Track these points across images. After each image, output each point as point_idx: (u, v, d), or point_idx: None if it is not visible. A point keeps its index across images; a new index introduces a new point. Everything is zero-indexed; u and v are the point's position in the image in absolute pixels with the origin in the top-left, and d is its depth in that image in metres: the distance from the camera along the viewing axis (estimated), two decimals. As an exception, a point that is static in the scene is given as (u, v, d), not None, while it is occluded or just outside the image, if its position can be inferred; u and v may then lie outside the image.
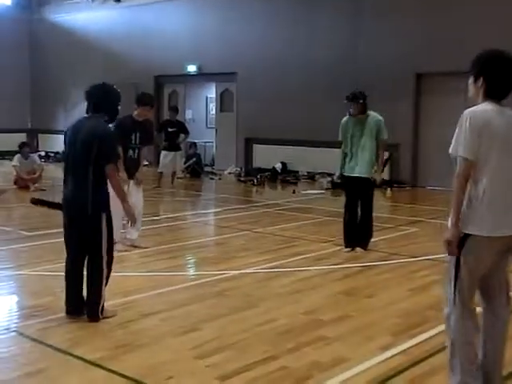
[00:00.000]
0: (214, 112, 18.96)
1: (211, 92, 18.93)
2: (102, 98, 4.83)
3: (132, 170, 7.33)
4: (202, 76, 18.12)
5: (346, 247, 7.42)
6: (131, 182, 7.40)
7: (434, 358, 4.20)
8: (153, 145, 7.73)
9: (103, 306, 4.80)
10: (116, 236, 7.30)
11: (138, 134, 7.40)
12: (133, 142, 7.36)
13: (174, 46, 18.08)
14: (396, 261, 7.07)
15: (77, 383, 3.80)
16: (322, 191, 13.47)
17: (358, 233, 7.54)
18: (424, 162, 14.25)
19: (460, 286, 3.34)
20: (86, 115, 4.88)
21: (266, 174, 15.60)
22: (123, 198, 4.92)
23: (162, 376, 3.85)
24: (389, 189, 13.08)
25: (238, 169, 16.80)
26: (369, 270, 6.64)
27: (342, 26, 15.04)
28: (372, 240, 7.77)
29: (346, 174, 7.45)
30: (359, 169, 7.34)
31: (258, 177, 15.17)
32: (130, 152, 7.35)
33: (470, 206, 3.28)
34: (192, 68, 17.93)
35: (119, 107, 4.99)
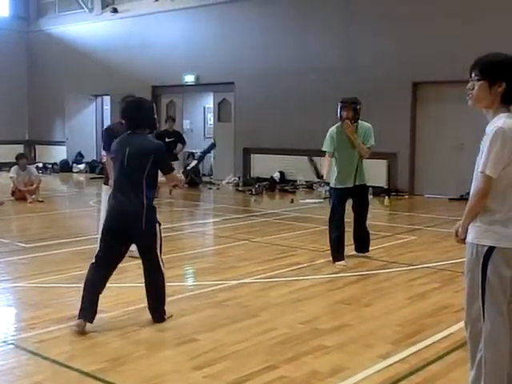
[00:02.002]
0: (211, 122, 18.98)
1: (209, 102, 18.97)
2: (136, 114, 4.95)
3: None
4: (200, 86, 18.15)
5: (341, 260, 7.18)
6: None
7: (432, 365, 4.19)
8: None
9: (165, 308, 5.07)
10: None
11: None
12: None
13: (171, 56, 18.12)
14: (394, 269, 7.05)
15: (74, 395, 3.78)
16: (321, 200, 13.46)
17: (360, 239, 7.52)
18: (422, 170, 14.26)
19: (491, 298, 3.19)
20: (129, 132, 4.97)
21: (264, 183, 15.60)
22: (180, 180, 5.34)
23: (159, 387, 3.84)
24: (387, 197, 13.08)
25: (236, 178, 16.80)
26: (367, 279, 6.62)
27: (339, 36, 15.09)
28: (370, 249, 7.76)
29: (337, 186, 7.23)
30: (355, 178, 7.24)
31: (257, 186, 15.17)
32: None
33: (493, 220, 3.18)
34: (190, 78, 17.97)
35: (155, 117, 5.11)
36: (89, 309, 4.77)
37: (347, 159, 7.21)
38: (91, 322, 4.77)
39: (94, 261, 4.92)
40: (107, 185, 7.38)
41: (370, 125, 7.33)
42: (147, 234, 4.91)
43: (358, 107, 7.18)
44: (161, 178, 5.04)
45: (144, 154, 4.82)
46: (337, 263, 7.14)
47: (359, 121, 7.26)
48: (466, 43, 12.95)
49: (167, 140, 13.86)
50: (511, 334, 3.23)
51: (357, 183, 7.28)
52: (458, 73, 13.19)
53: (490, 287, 3.17)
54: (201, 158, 6.18)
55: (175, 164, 13.88)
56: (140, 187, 4.82)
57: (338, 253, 7.21)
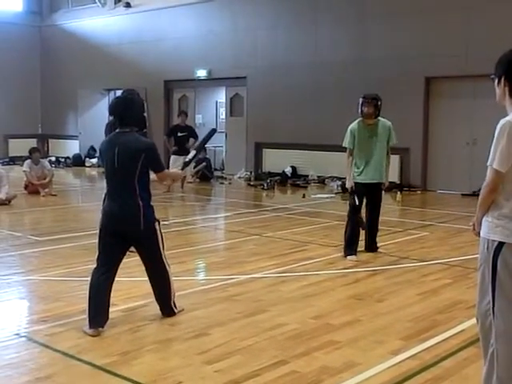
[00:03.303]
0: (223, 116, 18.98)
1: (221, 96, 18.96)
2: (125, 111, 4.79)
3: None
4: (212, 81, 18.14)
5: (352, 254, 7.20)
6: None
7: (444, 362, 4.17)
8: None
9: (174, 302, 5.07)
10: None
11: None
12: None
13: (183, 50, 18.13)
14: (406, 265, 7.03)
15: (86, 388, 3.80)
16: (332, 195, 13.43)
17: (369, 236, 7.52)
18: (434, 165, 14.18)
19: (501, 292, 3.19)
20: (117, 131, 4.83)
21: (276, 178, 15.58)
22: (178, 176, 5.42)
23: (170, 381, 3.84)
24: (399, 193, 13.03)
25: (248, 173, 16.80)
26: (379, 275, 6.60)
27: (351, 30, 15.02)
28: (382, 244, 7.73)
29: (356, 181, 7.26)
30: (373, 175, 7.24)
31: (268, 181, 15.15)
32: None
33: (501, 215, 3.18)
34: (202, 73, 17.96)
35: (145, 116, 5.04)
36: (98, 315, 4.67)
37: (367, 155, 7.22)
38: (103, 327, 4.68)
39: (95, 266, 4.82)
40: None
41: (390, 123, 7.38)
42: (147, 234, 4.81)
43: (379, 103, 7.22)
44: (152, 176, 4.92)
45: (134, 153, 4.67)
46: (349, 257, 7.15)
47: (379, 118, 7.29)
48: (480, 38, 12.87)
49: (179, 134, 13.91)
50: None
51: (374, 181, 7.28)
52: (471, 68, 13.16)
53: (499, 282, 3.17)
54: (200, 148, 5.98)
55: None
56: (134, 189, 4.69)
57: (353, 246, 7.23)
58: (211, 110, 19.91)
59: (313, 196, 13.39)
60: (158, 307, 5.15)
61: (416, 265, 7.03)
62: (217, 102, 19.80)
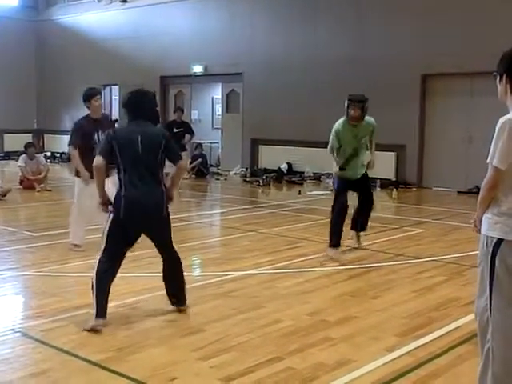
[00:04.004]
0: (219, 113, 18.96)
1: (217, 93, 18.93)
2: (138, 105, 4.85)
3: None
4: (208, 77, 18.12)
5: (337, 246, 7.12)
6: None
7: (439, 359, 4.18)
8: None
9: None
10: (81, 240, 7.34)
11: (100, 132, 7.26)
12: (97, 141, 7.23)
13: (179, 46, 18.09)
14: (401, 262, 7.04)
15: (81, 384, 3.80)
16: (328, 192, 13.42)
17: (362, 220, 7.49)
18: (430, 162, 14.20)
19: (499, 289, 3.22)
20: (133, 122, 4.84)
21: (272, 174, 15.58)
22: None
23: (165, 377, 3.84)
24: (394, 190, 13.06)
25: (244, 169, 16.80)
26: (374, 271, 6.61)
27: (348, 27, 15.01)
28: (377, 241, 7.74)
29: (340, 176, 7.23)
30: (356, 172, 7.26)
31: (264, 177, 15.16)
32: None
33: (501, 212, 3.20)
34: (198, 69, 17.94)
35: (158, 109, 5.09)
36: (105, 306, 4.66)
37: (351, 155, 7.18)
38: (105, 319, 4.67)
39: (102, 257, 4.72)
40: (79, 177, 7.34)
41: (374, 121, 7.33)
42: (166, 221, 4.88)
43: (366, 106, 7.12)
44: (172, 170, 4.95)
45: (156, 140, 4.77)
46: (328, 250, 7.11)
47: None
48: (476, 36, 12.88)
49: (175, 130, 13.85)
50: None
51: (358, 176, 7.29)
52: (468, 65, 13.18)
53: (497, 278, 3.19)
54: None
55: (183, 154, 13.94)
56: (158, 174, 4.79)
57: (338, 237, 7.13)
58: (207, 106, 19.88)
59: (308, 193, 13.40)
60: (154, 303, 5.15)
61: (411, 262, 7.05)
62: (213, 98, 19.77)
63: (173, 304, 5.07)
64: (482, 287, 3.30)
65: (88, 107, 7.42)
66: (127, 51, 19.45)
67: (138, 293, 5.55)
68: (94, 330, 4.56)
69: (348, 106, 7.09)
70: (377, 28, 14.47)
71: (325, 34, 15.37)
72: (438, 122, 13.93)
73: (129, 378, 3.83)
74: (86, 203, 7.31)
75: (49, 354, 4.21)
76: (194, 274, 6.79)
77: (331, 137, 7.23)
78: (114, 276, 4.76)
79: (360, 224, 7.54)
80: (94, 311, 4.63)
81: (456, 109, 13.65)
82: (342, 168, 7.18)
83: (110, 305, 4.95)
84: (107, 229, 4.77)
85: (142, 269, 6.30)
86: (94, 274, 4.69)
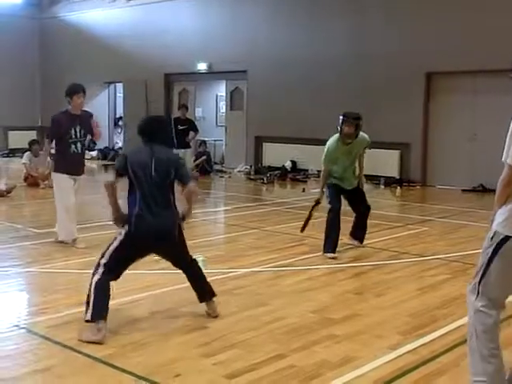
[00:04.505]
0: (224, 110, 18.96)
1: (221, 90, 18.94)
2: (154, 131, 4.86)
3: (76, 164, 7.42)
4: (213, 74, 18.13)
5: (333, 252, 7.06)
6: (77, 178, 7.48)
7: (442, 357, 4.17)
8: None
9: None
10: (67, 237, 7.37)
11: (78, 128, 7.31)
12: (73, 136, 7.29)
13: (184, 44, 18.09)
14: (405, 260, 7.04)
15: (85, 381, 3.80)
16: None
17: (359, 229, 7.51)
18: (434, 161, 14.18)
19: (487, 280, 3.34)
20: (147, 145, 4.82)
21: (276, 172, 15.58)
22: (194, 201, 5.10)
23: (169, 374, 3.85)
24: (398, 188, 13.04)
25: (248, 167, 16.80)
26: (378, 269, 6.61)
27: (351, 24, 14.98)
28: (381, 239, 7.74)
29: (334, 184, 7.26)
30: (349, 184, 7.30)
31: (268, 175, 15.16)
32: (73, 147, 7.33)
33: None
34: (202, 66, 17.94)
35: (173, 135, 5.12)
36: (105, 308, 4.53)
37: (343, 170, 7.20)
38: (105, 321, 4.51)
39: (103, 269, 4.57)
40: (60, 172, 7.38)
41: (368, 137, 7.32)
42: (179, 243, 4.87)
43: (361, 123, 7.09)
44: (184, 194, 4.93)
45: (169, 164, 4.76)
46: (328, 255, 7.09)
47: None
48: (480, 34, 12.84)
49: (180, 127, 13.87)
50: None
51: (352, 187, 7.34)
52: (472, 63, 13.15)
53: (489, 273, 3.29)
54: None
55: (188, 152, 13.91)
56: (171, 197, 4.78)
57: (334, 244, 7.11)
58: (211, 104, 19.89)
59: (312, 190, 13.33)
60: (157, 300, 5.16)
61: (415, 260, 7.04)
62: (217, 96, 19.78)
63: (202, 301, 5.02)
64: (476, 272, 3.39)
65: (69, 102, 7.38)
66: (131, 48, 19.45)
67: (141, 290, 5.56)
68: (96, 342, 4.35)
69: (342, 123, 7.04)
70: (380, 25, 14.45)
71: (328, 31, 15.34)
72: (442, 119, 13.90)
73: (132, 374, 3.84)
74: (70, 200, 7.40)
75: (53, 351, 4.22)
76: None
77: (324, 156, 7.21)
78: (110, 285, 4.63)
79: (358, 237, 7.55)
80: (89, 314, 4.45)
81: (460, 107, 13.62)
82: (335, 178, 7.20)
83: (114, 302, 4.95)
84: (114, 245, 4.65)
85: (145, 266, 6.29)
86: (91, 285, 4.54)
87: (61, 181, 7.42)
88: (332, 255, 7.01)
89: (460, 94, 13.58)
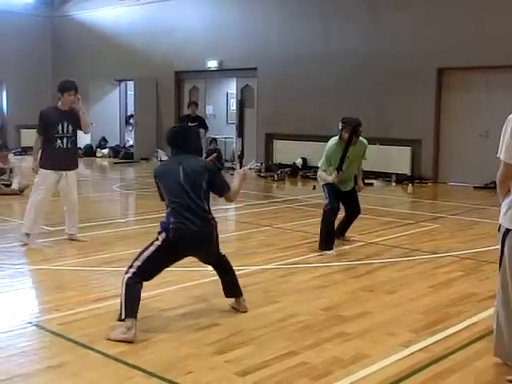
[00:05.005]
0: (234, 108, 18.96)
1: (232, 88, 18.93)
2: (183, 141, 4.85)
3: (63, 159, 7.36)
4: (223, 72, 18.12)
5: (331, 249, 7.10)
6: (66, 173, 7.45)
7: (455, 355, 4.15)
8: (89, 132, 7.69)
9: None
10: (30, 230, 7.41)
11: (66, 124, 7.32)
12: (60, 131, 7.29)
13: (194, 41, 18.10)
14: (417, 257, 7.01)
15: (97, 377, 3.82)
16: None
17: (344, 228, 7.60)
18: (446, 157, 14.12)
19: (503, 270, 3.58)
20: (177, 156, 4.81)
21: (287, 169, 15.56)
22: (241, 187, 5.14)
23: (181, 371, 3.86)
24: (410, 185, 13.00)
25: (259, 164, 16.79)
26: (390, 267, 6.59)
27: (362, 21, 14.93)
28: (393, 236, 7.71)
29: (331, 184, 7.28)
30: (346, 186, 7.34)
31: (279, 172, 15.15)
32: (58, 142, 7.31)
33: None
34: (213, 63, 17.94)
35: (202, 145, 5.11)
36: (136, 307, 4.48)
37: (341, 173, 7.15)
38: (136, 319, 4.45)
39: (135, 270, 4.52)
40: (44, 168, 7.39)
41: (366, 143, 7.39)
42: (215, 248, 4.90)
43: (360, 129, 7.13)
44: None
45: (199, 171, 4.71)
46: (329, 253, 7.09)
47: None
48: (492, 29, 12.77)
49: (190, 125, 13.86)
50: None
51: (348, 188, 7.37)
52: (484, 59, 13.07)
53: (504, 264, 3.54)
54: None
55: None
56: (205, 205, 4.73)
57: (330, 241, 7.15)
58: (222, 101, 19.89)
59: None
60: (168, 297, 5.16)
61: (427, 257, 7.02)
62: (227, 93, 19.78)
63: (229, 296, 5.06)
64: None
65: (59, 98, 7.46)
66: (142, 46, 19.50)
67: (154, 287, 5.54)
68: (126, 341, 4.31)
69: (342, 129, 7.10)
70: (391, 21, 14.38)
71: (338, 27, 15.30)
72: (454, 116, 13.84)
73: (144, 371, 3.85)
74: (44, 196, 7.45)
75: (66, 347, 4.24)
76: (209, 268, 6.79)
77: (323, 159, 7.29)
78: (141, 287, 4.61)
79: (342, 235, 7.60)
80: (120, 313, 4.45)
81: (472, 103, 13.55)
82: (338, 171, 7.16)
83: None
84: (151, 250, 4.61)
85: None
86: (123, 286, 4.49)
87: (42, 176, 7.45)
88: (335, 253, 7.02)
89: (472, 91, 13.50)
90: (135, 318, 4.41)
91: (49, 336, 4.45)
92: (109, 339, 4.32)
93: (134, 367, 3.91)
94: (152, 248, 4.63)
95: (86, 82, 20.99)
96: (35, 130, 7.68)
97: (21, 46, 21.26)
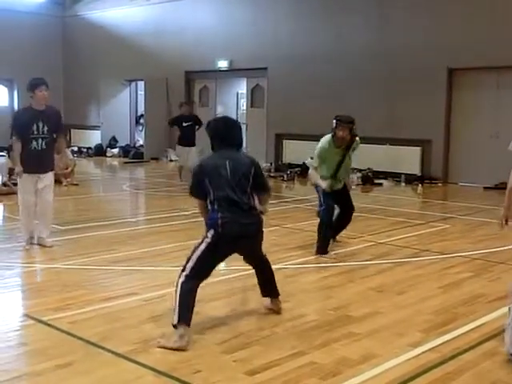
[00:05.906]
0: (244, 107, 18.96)
1: (242, 87, 18.94)
2: (226, 133, 4.76)
3: (38, 162, 7.10)
4: (233, 71, 18.13)
5: (328, 252, 7.02)
6: (45, 175, 7.22)
7: (464, 355, 4.14)
8: (65, 133, 7.31)
9: None
10: (31, 231, 7.32)
11: (41, 124, 7.09)
12: (35, 132, 7.05)
13: (204, 41, 18.13)
14: (427, 257, 6.99)
15: (106, 376, 3.83)
16: (353, 187, 13.35)
17: (340, 228, 7.46)
18: (456, 158, 14.06)
19: None
20: (221, 150, 4.71)
21: (296, 169, 15.55)
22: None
23: (190, 370, 3.87)
24: (420, 185, 12.95)
25: (268, 164, 16.78)
26: (399, 267, 6.58)
27: (373, 20, 14.89)
28: (403, 236, 7.69)
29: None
30: (338, 184, 7.22)
31: (288, 172, 15.14)
32: (34, 143, 7.05)
33: None
34: (223, 63, 17.96)
35: (243, 137, 4.97)
36: (190, 313, 4.41)
37: (334, 171, 7.10)
38: (189, 326, 4.38)
39: (189, 273, 4.45)
40: (30, 173, 7.13)
41: (358, 138, 7.28)
42: (261, 244, 4.89)
43: (354, 127, 7.07)
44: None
45: (246, 164, 4.68)
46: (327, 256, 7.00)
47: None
48: (504, 29, 12.71)
49: (184, 124, 13.52)
50: None
51: (340, 187, 7.25)
52: (495, 59, 13.02)
53: None
54: None
55: (192, 150, 13.51)
56: (253, 199, 4.67)
57: (326, 245, 7.07)
58: (232, 101, 19.89)
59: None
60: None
61: (437, 257, 7.00)
62: (237, 93, 19.78)
63: (266, 296, 5.04)
64: None
65: (31, 97, 7.20)
66: (152, 46, 19.55)
67: (163, 286, 5.58)
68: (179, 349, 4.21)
69: (336, 127, 7.03)
70: (402, 20, 14.33)
71: (349, 26, 15.26)
72: (465, 116, 13.78)
73: (153, 369, 3.86)
74: (30, 200, 7.23)
75: (75, 346, 4.26)
76: (218, 268, 6.80)
77: (316, 156, 7.17)
78: (196, 290, 4.54)
79: (333, 234, 7.42)
80: (174, 319, 4.35)
81: (483, 103, 13.49)
82: (331, 177, 7.12)
83: (138, 297, 5.00)
84: (201, 248, 4.53)
85: (167, 262, 6.34)
86: (177, 288, 4.44)
87: (21, 181, 7.25)
88: (335, 256, 6.94)
89: (483, 91, 13.44)
90: (188, 325, 4.31)
91: (59, 334, 4.47)
92: (161, 347, 4.22)
93: (144, 366, 3.92)
94: (203, 246, 4.53)
95: (96, 81, 21.15)
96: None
97: (31, 45, 21.36)
